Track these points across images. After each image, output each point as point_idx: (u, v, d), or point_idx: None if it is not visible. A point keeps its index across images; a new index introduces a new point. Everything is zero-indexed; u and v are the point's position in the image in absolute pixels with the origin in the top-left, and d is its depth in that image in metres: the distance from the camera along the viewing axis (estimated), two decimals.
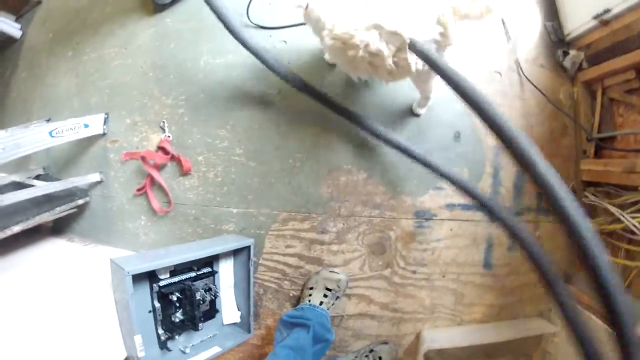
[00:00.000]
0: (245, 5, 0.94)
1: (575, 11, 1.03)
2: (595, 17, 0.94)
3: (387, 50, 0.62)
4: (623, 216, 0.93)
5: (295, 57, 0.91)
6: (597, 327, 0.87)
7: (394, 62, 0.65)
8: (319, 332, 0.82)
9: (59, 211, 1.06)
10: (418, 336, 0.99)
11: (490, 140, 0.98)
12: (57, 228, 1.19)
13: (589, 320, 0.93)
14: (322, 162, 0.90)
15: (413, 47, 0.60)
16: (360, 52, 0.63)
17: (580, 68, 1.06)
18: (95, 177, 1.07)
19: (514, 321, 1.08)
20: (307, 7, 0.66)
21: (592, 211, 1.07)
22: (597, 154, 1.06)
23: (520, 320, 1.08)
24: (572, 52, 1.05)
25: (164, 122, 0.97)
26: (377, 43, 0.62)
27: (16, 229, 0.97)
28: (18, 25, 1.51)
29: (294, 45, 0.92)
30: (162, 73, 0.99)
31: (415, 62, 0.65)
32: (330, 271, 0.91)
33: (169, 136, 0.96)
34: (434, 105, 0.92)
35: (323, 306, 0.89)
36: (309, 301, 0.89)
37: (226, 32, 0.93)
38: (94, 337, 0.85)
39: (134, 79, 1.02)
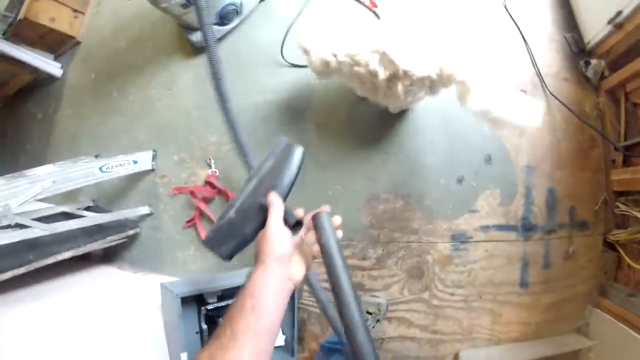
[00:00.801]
0: (279, 45, 1.01)
1: (591, 18, 1.03)
2: (610, 22, 0.94)
3: (382, 73, 0.71)
4: None
5: (328, 94, 0.97)
6: (631, 339, 0.88)
7: (387, 86, 0.73)
8: None
9: (110, 240, 1.14)
10: (456, 357, 1.02)
11: (521, 160, 1.01)
12: (107, 257, 1.28)
13: (624, 333, 0.94)
14: (360, 191, 0.95)
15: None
16: (362, 69, 0.72)
17: (602, 76, 1.06)
18: (145, 209, 1.15)
19: (550, 338, 1.09)
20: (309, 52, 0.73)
21: (624, 221, 1.07)
22: (626, 162, 1.06)
23: (557, 337, 1.10)
24: (594, 61, 1.05)
25: (210, 158, 1.04)
26: (375, 65, 0.71)
27: (67, 254, 1.03)
28: (58, 64, 1.63)
29: (328, 82, 0.98)
30: (205, 113, 1.07)
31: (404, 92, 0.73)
32: (371, 295, 0.95)
33: (215, 171, 1.03)
34: (462, 130, 0.96)
35: None
36: None
37: (263, 71, 1.00)
38: (141, 357, 0.91)
39: (179, 118, 1.11)
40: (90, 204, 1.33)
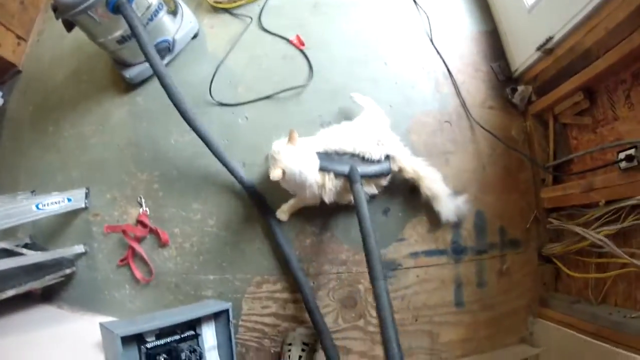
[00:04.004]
0: (208, 84, 1.01)
1: (520, 46, 1.08)
2: (539, 48, 0.98)
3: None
4: (588, 234, 0.94)
5: (256, 132, 0.98)
6: (578, 342, 0.92)
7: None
8: None
9: (48, 280, 1.11)
10: None
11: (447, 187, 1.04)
12: (47, 295, 1.24)
13: (571, 337, 0.97)
14: (288, 226, 0.96)
15: None
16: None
17: (529, 101, 1.11)
18: (79, 248, 1.12)
19: (496, 352, 1.12)
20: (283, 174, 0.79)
21: (558, 235, 1.11)
22: (556, 180, 1.10)
23: (502, 350, 1.12)
24: (521, 88, 1.09)
25: (140, 197, 1.03)
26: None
27: (10, 293, 1.01)
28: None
29: (255, 120, 0.98)
30: (136, 150, 1.06)
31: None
32: (306, 327, 0.96)
33: (146, 210, 1.02)
34: None
35: None
36: (289, 357, 0.94)
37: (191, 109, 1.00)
38: None
39: (111, 156, 1.09)
40: (28, 241, 1.29)
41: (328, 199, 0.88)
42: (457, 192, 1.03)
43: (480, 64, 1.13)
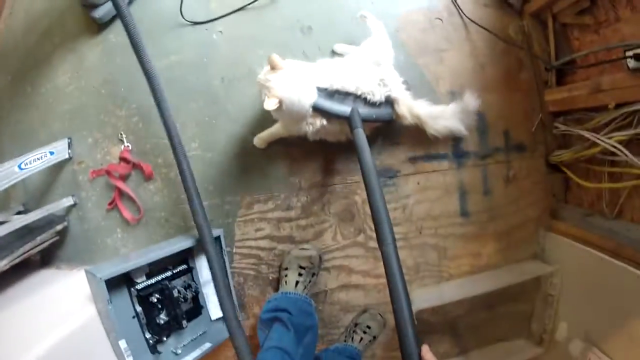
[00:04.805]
0: (178, 5, 0.96)
1: None
2: None
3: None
4: (599, 139, 0.89)
5: (233, 46, 0.93)
6: (596, 261, 0.85)
7: None
8: (298, 321, 0.80)
9: (40, 240, 1.08)
10: None
11: (443, 87, 0.97)
12: (46, 260, 1.22)
13: (587, 255, 0.90)
14: (276, 140, 0.90)
15: None
16: None
17: (525, 0, 1.03)
18: (68, 200, 1.09)
19: (506, 267, 1.05)
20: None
21: (566, 141, 1.04)
22: (560, 82, 1.03)
23: (512, 265, 1.05)
24: None
25: (121, 133, 0.99)
26: None
27: (3, 263, 1.00)
28: None
29: (231, 34, 0.93)
30: (113, 87, 1.02)
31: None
32: (300, 249, 0.90)
33: (128, 146, 0.98)
34: None
35: (299, 286, 0.87)
36: (285, 283, 0.88)
37: (165, 34, 0.96)
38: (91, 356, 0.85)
39: (89, 99, 1.05)
40: (21, 208, 1.27)
41: (314, 137, 0.80)
42: (455, 92, 0.96)
43: None
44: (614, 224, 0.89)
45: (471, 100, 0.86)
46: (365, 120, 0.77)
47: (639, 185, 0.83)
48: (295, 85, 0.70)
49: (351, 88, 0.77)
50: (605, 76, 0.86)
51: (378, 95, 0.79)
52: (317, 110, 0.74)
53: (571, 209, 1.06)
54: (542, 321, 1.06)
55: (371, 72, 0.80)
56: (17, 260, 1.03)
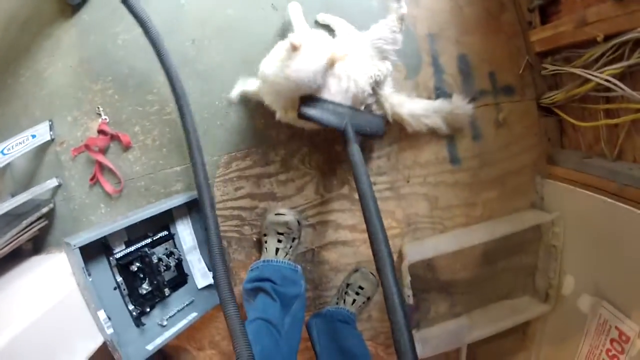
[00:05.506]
0: None
1: None
2: None
3: None
4: (591, 74, 0.84)
5: (200, 6, 0.91)
6: (598, 204, 0.79)
7: None
8: (283, 290, 0.76)
9: (26, 224, 1.08)
10: (400, 254, 0.93)
11: (421, 29, 0.93)
12: (37, 248, 1.21)
13: (588, 198, 0.84)
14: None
15: None
16: None
17: None
18: (52, 182, 1.08)
19: (504, 218, 0.99)
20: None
21: (556, 82, 0.99)
22: (544, 22, 0.99)
23: (510, 215, 1.00)
24: None
25: (98, 107, 0.98)
26: None
27: None
28: None
29: None
30: (88, 65, 1.02)
31: None
32: (276, 214, 0.86)
33: (105, 119, 0.97)
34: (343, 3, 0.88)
35: (280, 253, 0.83)
36: (266, 250, 0.85)
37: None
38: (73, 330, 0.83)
39: (67, 80, 1.05)
40: (9, 197, 1.27)
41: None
42: (433, 34, 0.92)
43: None
44: (615, 165, 0.83)
45: (460, 103, 0.85)
46: (357, 132, 0.73)
47: (638, 119, 0.78)
48: (314, 62, 0.64)
49: (348, 102, 0.72)
50: (590, 8, 0.81)
51: (369, 99, 0.76)
52: (307, 118, 0.69)
53: (568, 152, 1.00)
54: (546, 275, 1.00)
55: (367, 67, 0.73)
56: (6, 248, 1.02)
